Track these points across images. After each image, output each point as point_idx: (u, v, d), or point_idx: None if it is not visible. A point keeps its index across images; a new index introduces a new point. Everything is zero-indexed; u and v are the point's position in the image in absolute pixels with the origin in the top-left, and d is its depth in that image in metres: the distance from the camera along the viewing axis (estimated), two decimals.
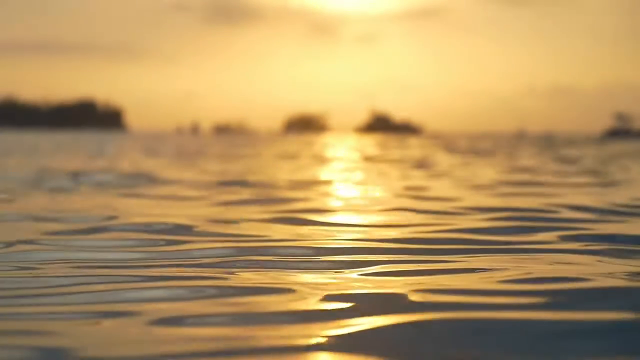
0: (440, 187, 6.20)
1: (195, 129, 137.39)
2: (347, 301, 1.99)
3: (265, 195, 5.34)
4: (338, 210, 4.34)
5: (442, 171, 8.75)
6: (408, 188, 6.10)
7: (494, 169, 9.38)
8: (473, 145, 24.91)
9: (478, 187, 6.20)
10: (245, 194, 5.52)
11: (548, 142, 34.45)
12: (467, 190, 5.97)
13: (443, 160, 12.48)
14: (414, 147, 21.74)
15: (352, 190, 5.99)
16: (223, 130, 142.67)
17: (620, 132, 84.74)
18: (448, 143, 28.42)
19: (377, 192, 5.79)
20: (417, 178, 7.31)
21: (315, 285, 2.18)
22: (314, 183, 6.65)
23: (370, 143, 29.08)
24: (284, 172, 8.48)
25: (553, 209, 4.42)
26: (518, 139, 49.81)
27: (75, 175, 7.49)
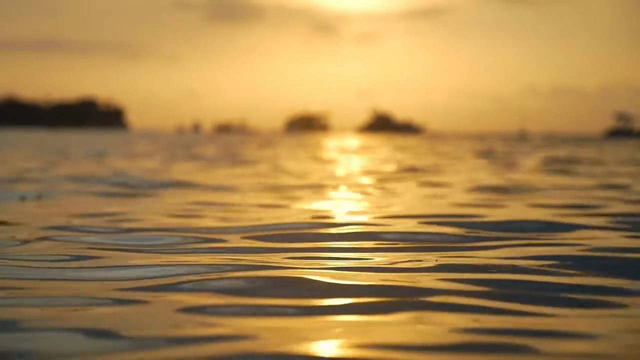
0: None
1: (196, 128, 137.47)
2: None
3: None
4: None
5: None
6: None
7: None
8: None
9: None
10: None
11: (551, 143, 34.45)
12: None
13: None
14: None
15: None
16: (224, 129, 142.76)
17: (621, 132, 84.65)
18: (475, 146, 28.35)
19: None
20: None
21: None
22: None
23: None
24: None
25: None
26: (520, 140, 49.79)
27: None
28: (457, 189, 6.61)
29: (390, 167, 10.78)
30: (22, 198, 5.43)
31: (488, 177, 8.53)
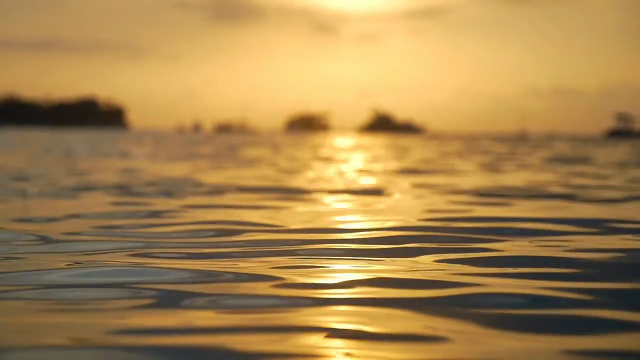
0: None
1: (197, 128, 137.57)
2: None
3: None
4: None
5: None
6: None
7: None
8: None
9: None
10: None
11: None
12: None
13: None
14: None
15: None
16: (224, 129, 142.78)
17: (621, 132, 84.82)
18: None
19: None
20: None
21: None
22: None
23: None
24: None
25: None
26: (520, 140, 49.81)
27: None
28: (469, 189, 6.61)
29: (408, 168, 10.76)
30: (24, 194, 5.43)
31: (500, 178, 8.55)
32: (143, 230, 3.55)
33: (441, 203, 5.10)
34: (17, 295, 2.13)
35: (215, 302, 2.07)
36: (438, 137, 72.67)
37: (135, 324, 1.82)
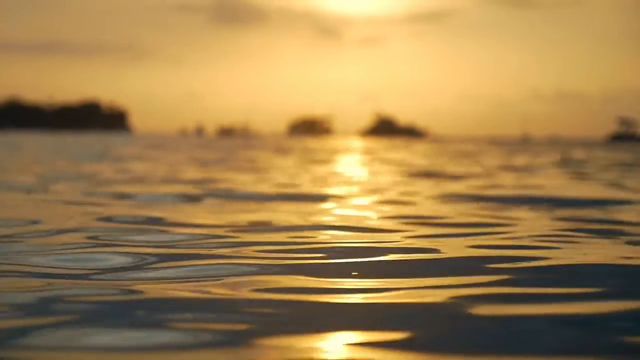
0: None
1: (200, 131, 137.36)
2: None
3: None
4: None
5: None
6: None
7: None
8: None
9: None
10: None
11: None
12: None
13: None
14: None
15: None
16: (227, 132, 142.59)
17: (624, 136, 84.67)
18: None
19: None
20: None
21: None
22: None
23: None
24: None
25: None
26: (523, 143, 49.62)
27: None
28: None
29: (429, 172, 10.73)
30: (28, 191, 5.44)
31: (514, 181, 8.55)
32: None
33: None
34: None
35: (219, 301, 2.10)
36: (441, 140, 72.46)
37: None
